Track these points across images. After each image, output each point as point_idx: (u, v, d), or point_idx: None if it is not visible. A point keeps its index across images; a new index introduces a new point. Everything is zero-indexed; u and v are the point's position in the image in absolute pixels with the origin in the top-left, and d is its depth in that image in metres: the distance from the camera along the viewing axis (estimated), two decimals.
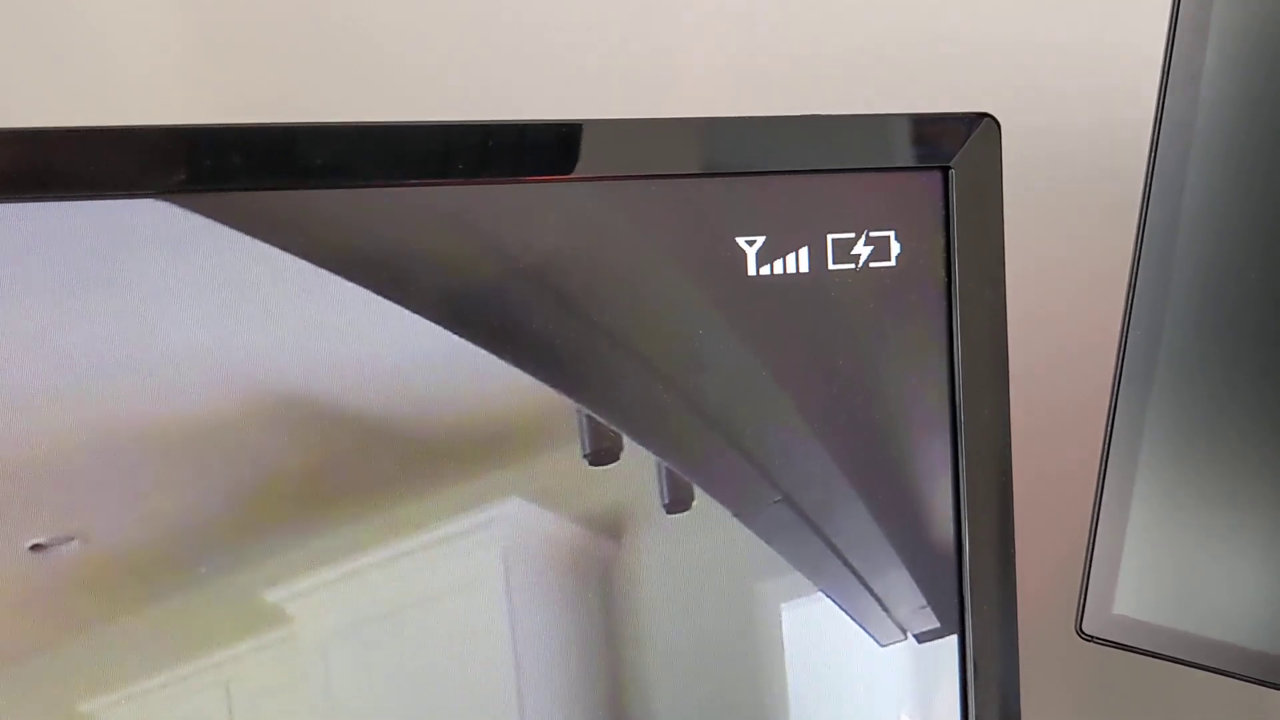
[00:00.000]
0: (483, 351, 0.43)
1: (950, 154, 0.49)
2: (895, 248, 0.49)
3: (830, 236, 0.48)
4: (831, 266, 0.48)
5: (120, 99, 0.57)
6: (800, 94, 0.65)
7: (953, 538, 0.51)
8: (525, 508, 0.45)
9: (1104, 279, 0.59)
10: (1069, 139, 0.69)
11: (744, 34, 0.65)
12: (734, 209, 0.46)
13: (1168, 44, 0.50)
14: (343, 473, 0.42)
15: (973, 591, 0.51)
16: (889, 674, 0.51)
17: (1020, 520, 0.52)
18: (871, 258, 0.48)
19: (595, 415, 0.45)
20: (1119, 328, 0.52)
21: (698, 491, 0.47)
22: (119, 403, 0.39)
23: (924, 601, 0.51)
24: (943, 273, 0.49)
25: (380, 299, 0.42)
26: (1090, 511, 0.53)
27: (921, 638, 0.51)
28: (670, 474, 0.46)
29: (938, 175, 0.49)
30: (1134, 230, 0.51)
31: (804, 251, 0.47)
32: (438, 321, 0.43)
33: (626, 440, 0.46)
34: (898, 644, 0.51)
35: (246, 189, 0.40)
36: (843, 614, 0.50)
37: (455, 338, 0.43)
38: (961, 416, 0.50)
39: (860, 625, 0.50)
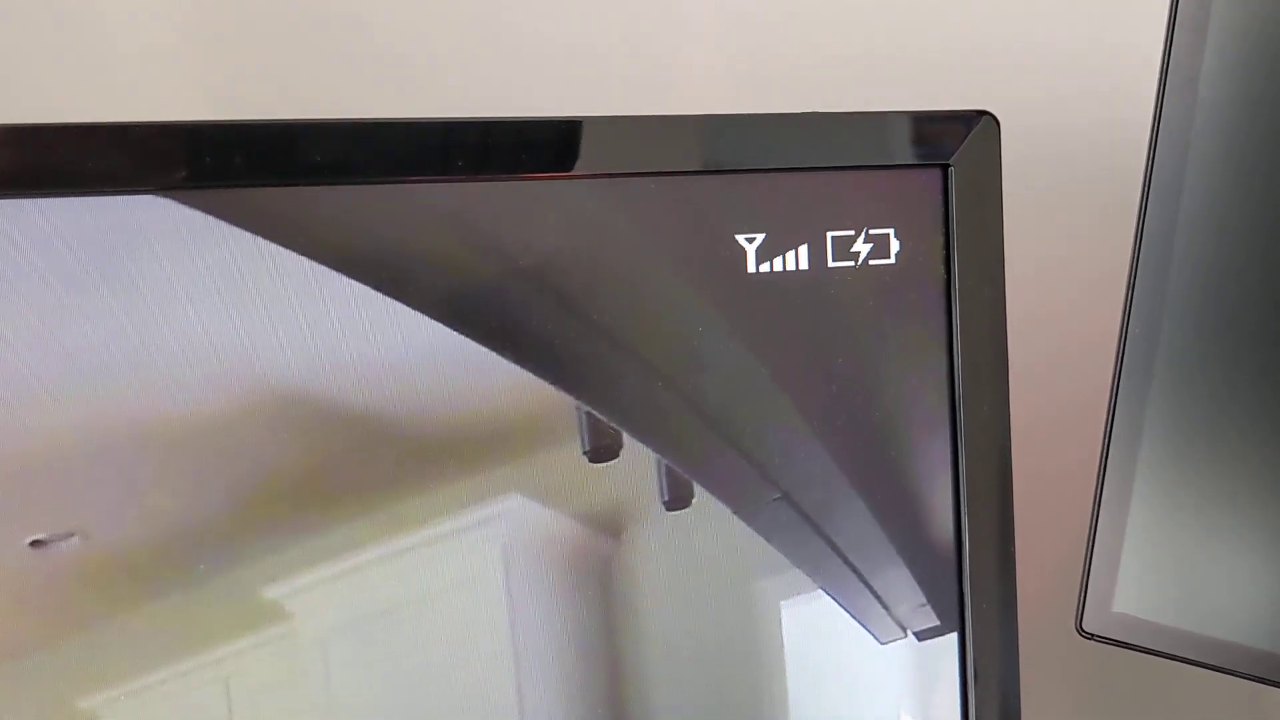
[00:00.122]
0: (483, 348, 0.43)
1: (950, 152, 0.49)
2: (895, 245, 0.49)
3: (830, 234, 0.48)
4: (831, 264, 0.48)
5: (121, 95, 0.57)
6: (800, 91, 0.65)
7: (953, 535, 0.51)
8: (525, 504, 0.45)
9: (1103, 278, 0.59)
10: (1068, 138, 0.69)
11: (744, 32, 0.65)
12: (734, 206, 0.46)
13: (1166, 44, 0.50)
14: (343, 469, 0.42)
15: (973, 589, 0.51)
16: (889, 672, 0.51)
17: (1020, 518, 0.52)
18: (871, 255, 0.48)
19: (595, 412, 0.45)
20: (1118, 326, 0.52)
21: (697, 489, 0.47)
22: (120, 399, 0.39)
23: (924, 599, 0.51)
24: (942, 270, 0.49)
25: (380, 296, 0.42)
26: (1090, 509, 0.53)
27: (921, 635, 0.51)
28: (670, 471, 0.46)
29: (937, 173, 0.49)
30: (1133, 229, 0.51)
31: (804, 249, 0.47)
32: (438, 318, 0.43)
33: (626, 437, 0.46)
34: (897, 642, 0.51)
35: (247, 185, 0.40)
36: (842, 611, 0.50)
37: (455, 334, 0.43)
38: (961, 413, 0.50)
39: (860, 623, 0.50)
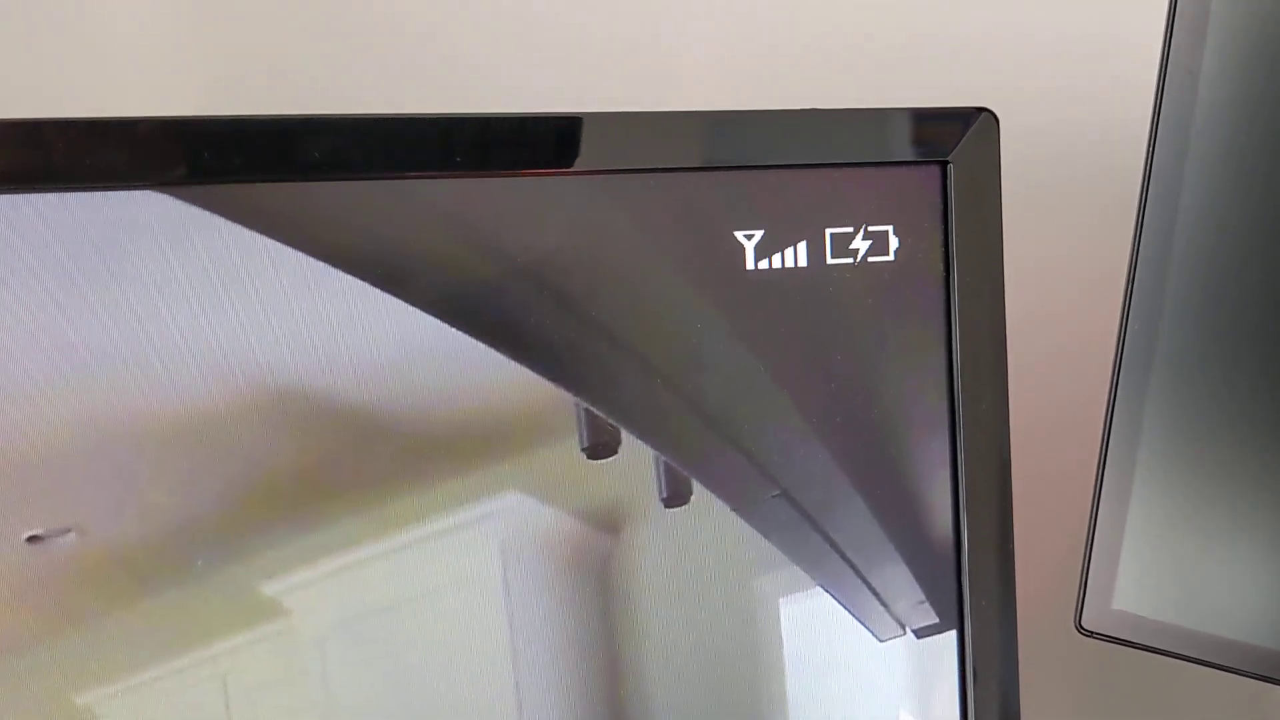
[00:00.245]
0: (481, 345, 0.43)
1: (948, 148, 0.49)
2: (894, 242, 0.49)
3: (829, 231, 0.48)
4: (830, 261, 0.48)
5: (117, 90, 0.57)
6: (799, 88, 0.65)
7: (952, 533, 0.51)
8: (523, 501, 0.45)
9: (1103, 276, 0.59)
10: (1068, 136, 0.69)
11: (743, 28, 0.65)
12: (732, 203, 0.46)
13: (1165, 41, 0.50)
14: (340, 466, 0.42)
15: (972, 587, 0.51)
16: (888, 669, 0.51)
17: (1019, 515, 0.52)
18: (870, 252, 0.48)
19: (593, 409, 0.45)
20: (1117, 323, 0.52)
21: (696, 486, 0.47)
22: (116, 395, 0.39)
23: (923, 596, 0.51)
24: (941, 267, 0.49)
25: (377, 292, 0.42)
26: (1089, 506, 0.53)
27: (920, 633, 0.51)
28: (668, 468, 0.46)
29: (936, 170, 0.49)
30: (1132, 227, 0.51)
31: (802, 246, 0.47)
32: (435, 315, 0.43)
33: (625, 434, 0.46)
34: (897, 639, 0.51)
35: (245, 181, 0.40)
36: (841, 609, 0.50)
37: (453, 331, 0.43)
38: (960, 410, 0.50)
39: (859, 620, 0.50)
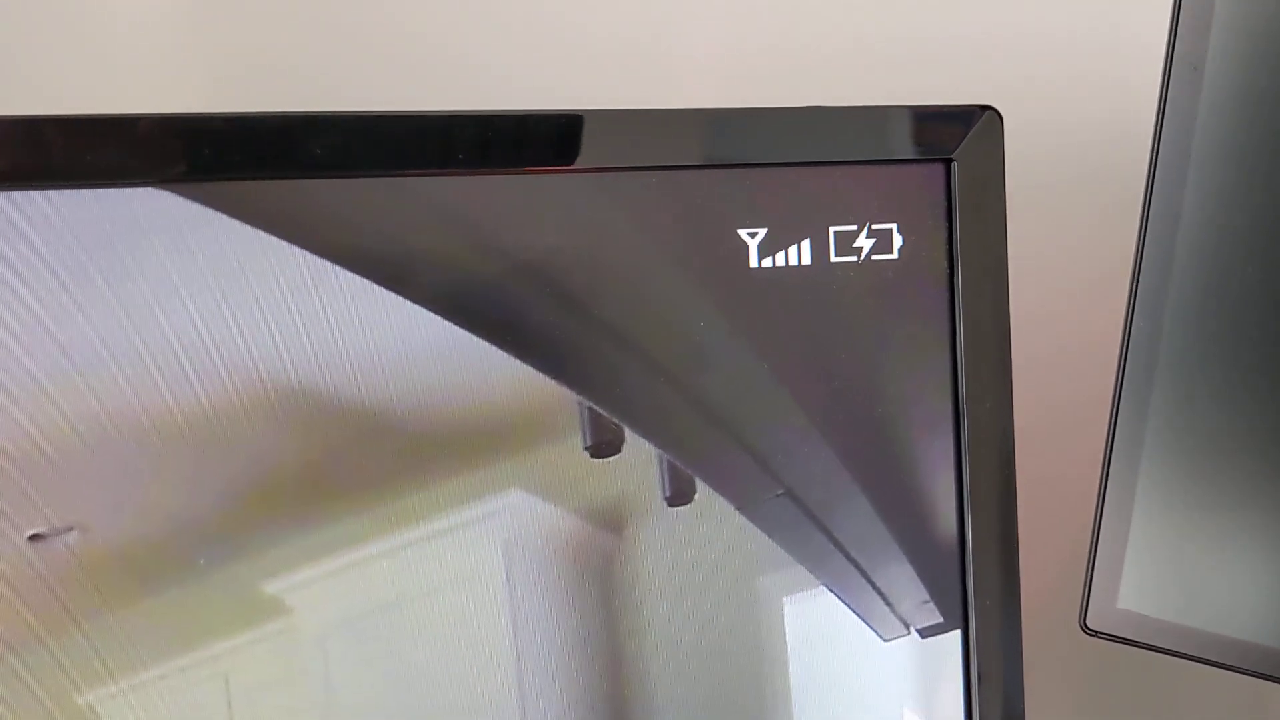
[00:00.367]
0: (484, 343, 0.43)
1: (952, 146, 0.49)
2: (897, 240, 0.48)
3: (832, 229, 0.47)
4: (834, 259, 0.48)
5: (119, 86, 0.57)
6: (803, 86, 0.65)
7: (956, 532, 0.50)
8: (527, 500, 0.44)
9: (1106, 274, 0.59)
10: (1072, 134, 0.69)
11: (747, 25, 0.65)
12: (736, 201, 0.46)
13: (1169, 39, 0.50)
14: (343, 464, 0.42)
15: (976, 586, 0.51)
16: (892, 669, 0.51)
17: (1024, 515, 0.52)
18: (874, 250, 0.48)
19: (597, 407, 0.45)
20: (1121, 322, 0.52)
21: (699, 484, 0.47)
22: (119, 393, 0.39)
23: (927, 596, 0.50)
24: (945, 265, 0.49)
25: (379, 289, 0.42)
26: (1094, 505, 0.52)
27: (925, 633, 0.51)
28: (672, 466, 0.46)
29: (940, 168, 0.49)
30: (1136, 225, 0.51)
31: (806, 244, 0.47)
32: (438, 313, 0.43)
33: (628, 433, 0.45)
34: (901, 639, 0.51)
35: (247, 178, 0.40)
36: (846, 608, 0.50)
37: (456, 329, 0.43)
38: (964, 409, 0.50)
39: (863, 620, 0.50)
